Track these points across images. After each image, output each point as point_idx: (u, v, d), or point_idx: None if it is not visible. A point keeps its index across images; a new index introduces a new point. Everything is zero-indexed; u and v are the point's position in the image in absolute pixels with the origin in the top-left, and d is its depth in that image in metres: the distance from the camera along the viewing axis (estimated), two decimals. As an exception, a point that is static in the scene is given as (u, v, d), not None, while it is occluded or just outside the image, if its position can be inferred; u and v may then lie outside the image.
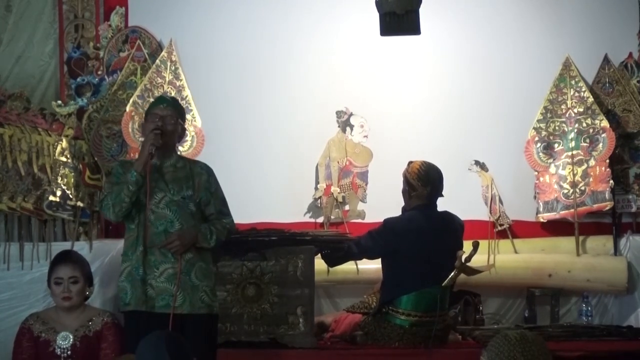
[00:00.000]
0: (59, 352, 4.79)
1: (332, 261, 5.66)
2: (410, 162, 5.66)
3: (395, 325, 5.44)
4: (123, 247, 4.70)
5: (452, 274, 5.38)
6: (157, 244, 4.54)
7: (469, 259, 5.37)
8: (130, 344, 4.28)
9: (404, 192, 5.69)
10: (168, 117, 4.64)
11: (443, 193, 5.65)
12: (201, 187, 4.68)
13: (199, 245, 4.61)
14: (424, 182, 5.57)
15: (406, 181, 5.64)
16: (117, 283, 4.56)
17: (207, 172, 4.75)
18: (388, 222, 5.59)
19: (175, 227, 4.57)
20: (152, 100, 5.94)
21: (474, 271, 5.50)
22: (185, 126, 4.94)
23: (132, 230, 4.60)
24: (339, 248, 5.58)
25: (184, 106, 5.39)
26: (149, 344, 3.39)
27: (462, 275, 5.91)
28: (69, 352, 4.78)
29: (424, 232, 5.48)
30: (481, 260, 6.02)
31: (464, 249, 5.40)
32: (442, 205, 5.71)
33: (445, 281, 5.38)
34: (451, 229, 5.61)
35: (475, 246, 5.35)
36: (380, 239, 5.54)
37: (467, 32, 6.53)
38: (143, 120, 4.86)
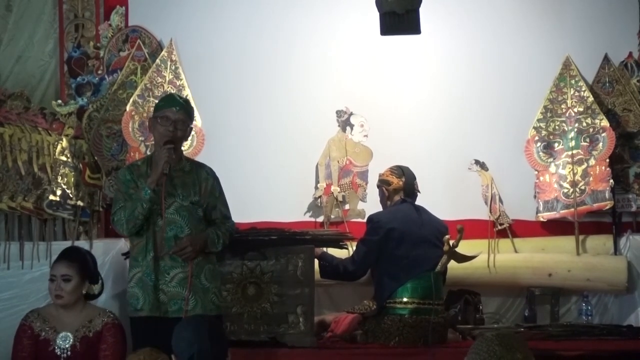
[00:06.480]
0: (58, 352, 4.75)
1: (327, 276, 5.71)
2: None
3: (395, 317, 5.47)
4: (131, 252, 4.69)
5: (443, 259, 5.52)
6: (167, 250, 4.52)
7: (456, 243, 5.48)
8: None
9: (382, 197, 5.85)
10: (180, 122, 4.56)
11: (419, 191, 5.79)
12: (207, 192, 4.66)
13: (207, 251, 4.62)
14: (397, 174, 5.77)
15: (381, 183, 5.84)
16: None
17: (213, 177, 4.73)
18: (372, 215, 5.77)
19: (184, 232, 4.56)
20: (153, 99, 5.96)
21: (463, 257, 5.61)
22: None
23: (140, 236, 4.58)
24: (336, 267, 5.64)
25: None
26: (190, 326, 3.47)
27: (463, 275, 5.92)
28: (68, 353, 4.74)
29: (410, 218, 5.62)
30: (481, 260, 6.03)
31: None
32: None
33: (438, 267, 5.52)
34: (434, 217, 5.76)
35: (461, 231, 5.48)
36: (371, 236, 5.62)
37: (467, 32, 6.53)
38: (151, 118, 4.72)
